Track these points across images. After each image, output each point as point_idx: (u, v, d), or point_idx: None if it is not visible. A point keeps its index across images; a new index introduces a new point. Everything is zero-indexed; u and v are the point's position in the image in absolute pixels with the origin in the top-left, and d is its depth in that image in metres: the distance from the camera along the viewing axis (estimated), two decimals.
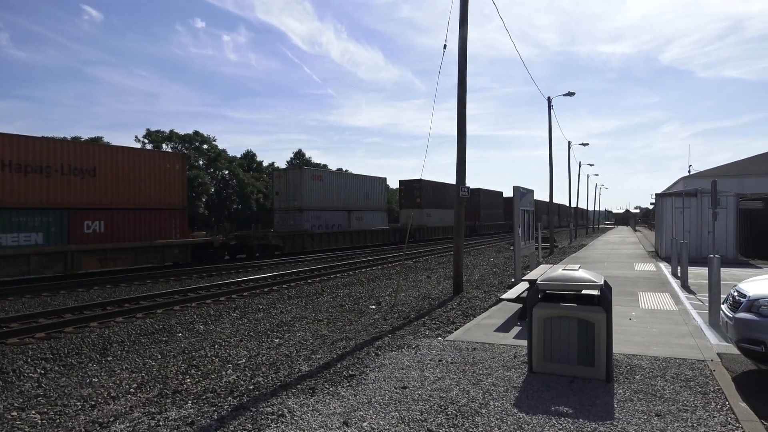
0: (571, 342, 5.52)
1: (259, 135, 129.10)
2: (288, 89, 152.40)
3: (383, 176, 34.38)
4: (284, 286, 14.72)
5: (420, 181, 38.03)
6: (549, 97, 27.34)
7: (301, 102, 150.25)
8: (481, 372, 5.79)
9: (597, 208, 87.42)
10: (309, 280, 15.86)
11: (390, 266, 20.30)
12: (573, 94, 27.51)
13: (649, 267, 16.35)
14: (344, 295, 12.22)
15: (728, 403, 4.81)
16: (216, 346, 7.58)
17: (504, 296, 8.46)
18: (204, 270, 19.10)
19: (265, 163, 64.37)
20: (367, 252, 27.08)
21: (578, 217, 70.98)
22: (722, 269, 15.16)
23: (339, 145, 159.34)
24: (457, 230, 11.62)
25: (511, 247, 25.68)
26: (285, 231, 26.49)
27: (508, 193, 61.85)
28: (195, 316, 10.19)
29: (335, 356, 6.60)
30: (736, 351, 6.31)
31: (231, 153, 57.74)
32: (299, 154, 73.53)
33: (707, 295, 8.53)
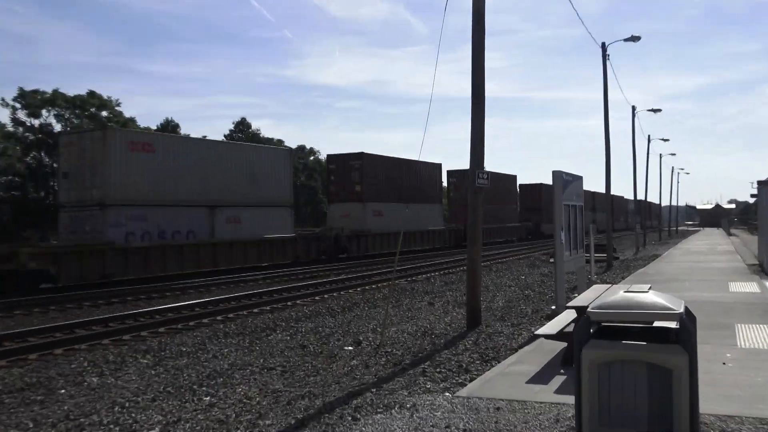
0: (639, 397, 5.47)
1: (185, 97, 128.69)
2: (227, 31, 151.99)
3: (286, 147, 32.24)
4: (219, 317, 14.76)
5: (361, 156, 35.89)
6: (604, 44, 27.48)
7: (245, 50, 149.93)
8: None
9: (675, 203, 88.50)
10: (255, 309, 15.92)
11: (376, 288, 20.23)
12: (638, 38, 27.70)
13: (751, 287, 16.48)
14: (307, 330, 12.21)
15: None
16: (116, 409, 7.45)
17: (540, 331, 8.40)
18: (101, 295, 18.93)
19: (192, 135, 64.32)
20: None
21: (647, 215, 71.84)
22: None
23: (301, 111, 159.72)
24: (473, 235, 11.60)
25: (551, 260, 25.80)
26: (68, 244, 21.59)
27: (528, 177, 63.15)
28: (86, 364, 10.09)
29: (293, 422, 6.52)
30: None
31: (143, 123, 57.47)
32: (242, 125, 73.40)
33: None
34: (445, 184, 50.09)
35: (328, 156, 37.80)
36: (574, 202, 12.42)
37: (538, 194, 61.42)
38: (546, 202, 60.86)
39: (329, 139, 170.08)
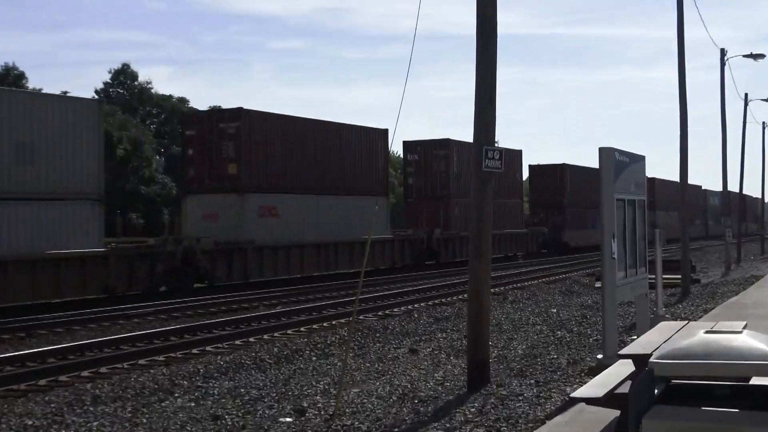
0: None
1: (35, 32, 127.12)
2: None
3: (92, 99, 28.81)
4: (85, 373, 14.64)
5: (239, 114, 33.86)
6: None
7: None
8: None
9: None
10: (142, 360, 15.82)
11: (329, 327, 20.14)
12: None
13: None
14: (222, 392, 12.16)
15: None
16: None
17: (580, 393, 8.41)
18: None
19: (48, 90, 63.80)
20: None
21: (743, 216, 72.50)
22: None
23: (217, 54, 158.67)
24: (478, 247, 11.59)
25: (597, 284, 25.92)
26: None
27: (544, 156, 61.88)
28: None
29: None
30: None
31: None
32: (125, 74, 72.77)
33: None
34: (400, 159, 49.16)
35: (183, 116, 35.55)
36: (632, 194, 12.47)
37: (559, 182, 60.83)
38: (573, 194, 59.90)
39: (259, 97, 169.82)
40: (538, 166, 62.37)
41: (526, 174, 67.35)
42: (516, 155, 54.76)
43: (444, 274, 37.88)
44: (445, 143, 47.69)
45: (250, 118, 34.30)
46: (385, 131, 42.71)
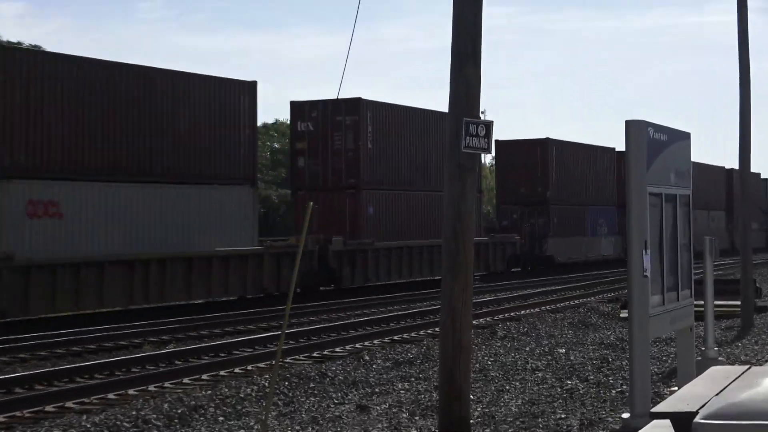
0: None
1: None
2: None
3: None
4: None
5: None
6: None
7: None
8: None
9: None
10: None
11: (243, 374, 20.09)
12: None
13: None
14: None
15: None
16: None
17: None
18: None
19: None
20: None
21: None
22: None
23: None
24: (453, 262, 11.63)
25: (622, 314, 26.03)
26: None
27: (518, 134, 59.78)
28: None
29: None
30: None
31: None
32: None
33: None
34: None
35: None
36: (671, 187, 12.51)
37: (541, 165, 59.48)
38: (563, 184, 59.26)
39: (149, 47, 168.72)
40: (510, 142, 61.04)
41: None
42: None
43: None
44: (355, 105, 44.86)
45: (16, 62, 31.11)
46: (253, 85, 39.75)
